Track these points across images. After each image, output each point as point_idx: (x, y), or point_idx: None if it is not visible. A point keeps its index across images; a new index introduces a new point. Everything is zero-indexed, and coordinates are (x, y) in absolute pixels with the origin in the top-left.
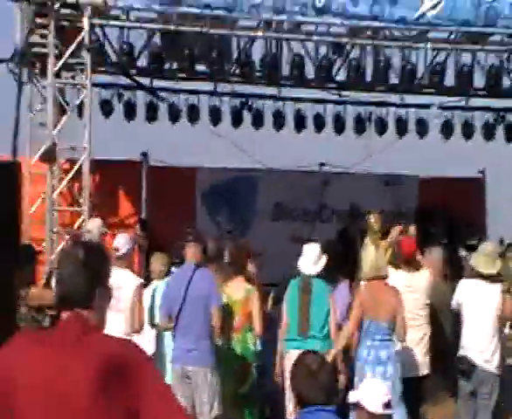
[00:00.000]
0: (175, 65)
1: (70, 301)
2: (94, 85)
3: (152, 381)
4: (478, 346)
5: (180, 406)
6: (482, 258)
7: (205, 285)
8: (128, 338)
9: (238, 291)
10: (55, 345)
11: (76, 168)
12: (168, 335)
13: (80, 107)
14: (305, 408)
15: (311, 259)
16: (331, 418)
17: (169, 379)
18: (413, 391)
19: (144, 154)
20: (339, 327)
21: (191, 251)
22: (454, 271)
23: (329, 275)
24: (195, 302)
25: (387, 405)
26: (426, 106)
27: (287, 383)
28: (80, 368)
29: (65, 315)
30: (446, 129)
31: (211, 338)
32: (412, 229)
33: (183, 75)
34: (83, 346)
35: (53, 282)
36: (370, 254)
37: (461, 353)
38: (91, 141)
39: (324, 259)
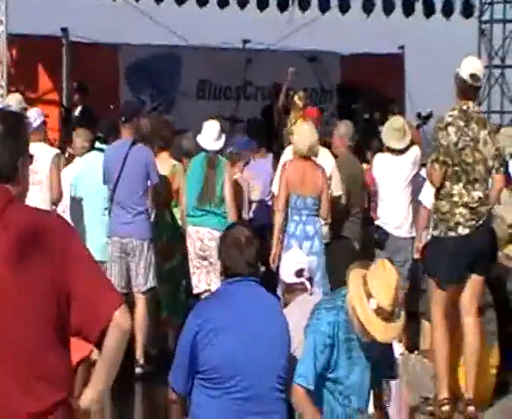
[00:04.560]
0: None
1: None
2: None
3: (78, 255)
4: (391, 216)
5: (109, 282)
6: (391, 133)
7: (143, 162)
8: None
9: (163, 167)
10: None
11: None
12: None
13: None
14: (229, 279)
15: (212, 136)
16: (252, 287)
17: (105, 253)
18: None
19: (64, 30)
20: (261, 202)
21: (127, 130)
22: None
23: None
24: (132, 177)
25: (299, 273)
26: None
27: (189, 257)
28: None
29: None
30: (368, 6)
31: (147, 212)
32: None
33: None
34: (4, 220)
35: None
36: (305, 132)
37: (376, 223)
38: (7, 14)
39: (224, 137)
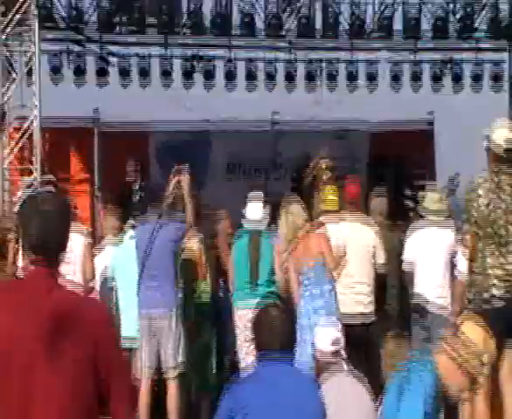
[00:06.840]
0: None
1: (45, 249)
2: (43, 51)
3: (108, 345)
4: (431, 292)
5: (130, 381)
6: (430, 205)
7: (171, 232)
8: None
9: (190, 242)
10: (21, 296)
11: (27, 134)
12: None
13: (29, 74)
14: (261, 353)
15: (257, 216)
16: (285, 367)
17: (135, 331)
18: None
19: (95, 111)
20: None
21: (153, 216)
22: (399, 211)
23: None
24: (160, 248)
25: (335, 342)
26: (376, 62)
27: (239, 334)
28: (36, 320)
29: (33, 268)
30: (395, 82)
31: (175, 283)
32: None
33: (134, 28)
34: (49, 303)
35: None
36: (289, 217)
37: (415, 300)
38: (41, 108)
39: (267, 218)
